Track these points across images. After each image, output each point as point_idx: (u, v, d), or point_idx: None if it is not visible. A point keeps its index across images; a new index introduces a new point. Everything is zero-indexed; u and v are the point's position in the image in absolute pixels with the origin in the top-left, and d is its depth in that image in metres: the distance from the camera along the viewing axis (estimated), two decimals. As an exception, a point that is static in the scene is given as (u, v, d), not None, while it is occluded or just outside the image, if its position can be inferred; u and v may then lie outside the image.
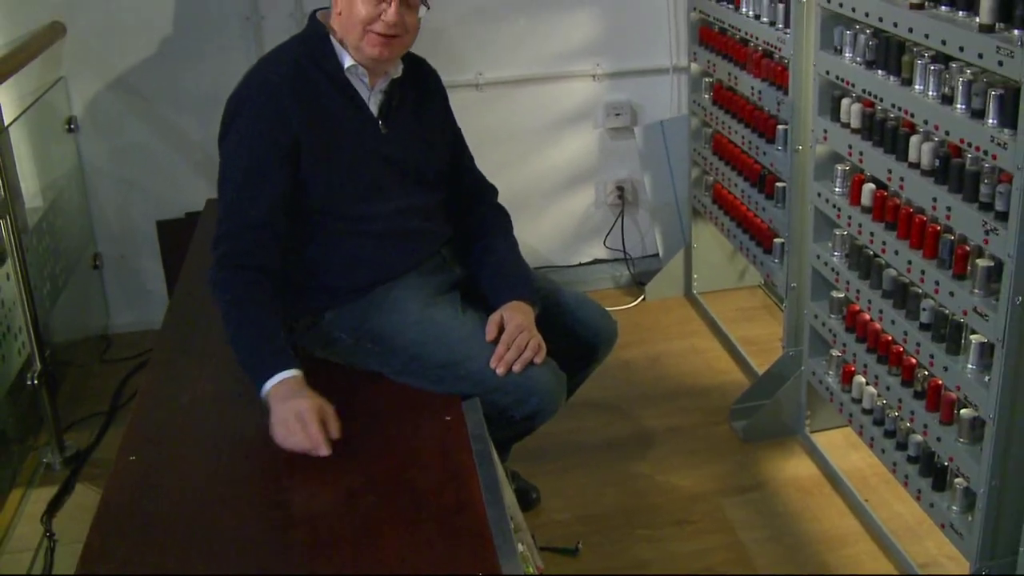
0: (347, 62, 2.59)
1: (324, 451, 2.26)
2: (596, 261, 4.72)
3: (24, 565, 2.98)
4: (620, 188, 4.60)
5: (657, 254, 4.67)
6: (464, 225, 2.86)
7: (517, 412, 2.59)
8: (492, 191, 2.95)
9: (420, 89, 2.78)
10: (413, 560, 1.99)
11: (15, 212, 3.28)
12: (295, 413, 2.29)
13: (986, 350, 2.49)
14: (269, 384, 2.35)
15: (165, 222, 4.17)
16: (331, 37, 2.60)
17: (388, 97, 2.68)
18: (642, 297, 4.55)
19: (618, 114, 4.48)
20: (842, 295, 3.12)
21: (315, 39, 2.63)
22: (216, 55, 4.04)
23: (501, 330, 2.58)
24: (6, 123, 3.56)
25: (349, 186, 2.62)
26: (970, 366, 2.54)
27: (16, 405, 3.38)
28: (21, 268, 3.29)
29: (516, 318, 2.58)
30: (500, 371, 2.50)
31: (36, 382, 3.36)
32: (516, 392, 2.55)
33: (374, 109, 2.65)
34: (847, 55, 2.93)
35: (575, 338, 2.85)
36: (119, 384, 3.92)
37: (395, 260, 2.70)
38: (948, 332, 2.60)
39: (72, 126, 4.06)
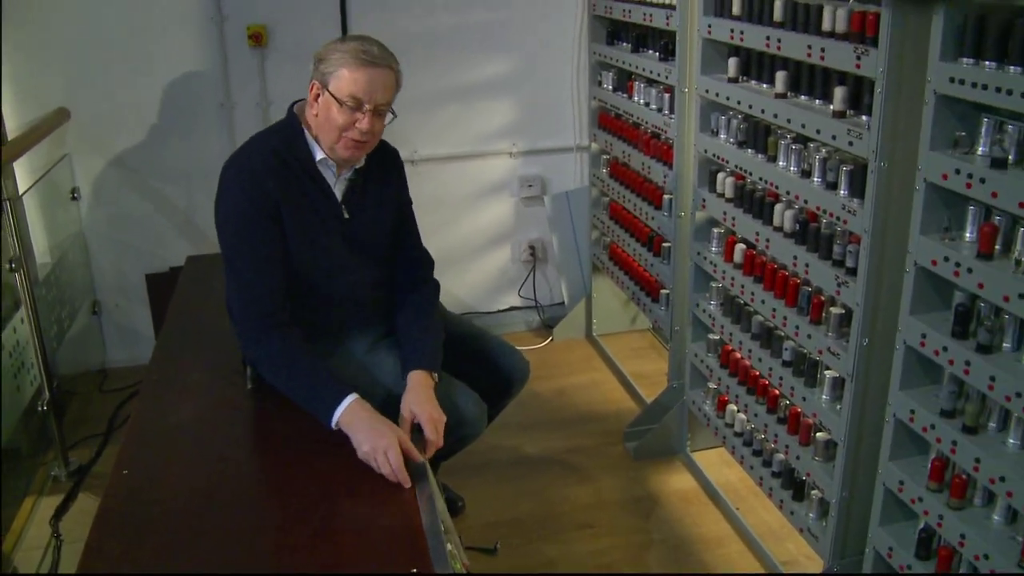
0: (319, 155, 2.47)
1: (407, 484, 2.13)
2: (512, 308, 4.67)
3: (36, 560, 2.96)
4: (532, 247, 4.56)
5: (563, 302, 4.65)
6: (399, 294, 2.73)
7: (449, 436, 2.50)
8: (428, 265, 2.81)
9: (382, 169, 2.66)
10: (361, 558, 1.95)
11: (28, 267, 3.25)
12: (383, 450, 2.15)
13: (838, 384, 2.49)
14: (336, 417, 2.24)
15: (153, 275, 4.12)
16: (306, 132, 2.48)
17: (351, 184, 2.56)
18: (550, 338, 4.51)
19: (531, 185, 4.45)
20: (717, 337, 3.10)
21: (292, 132, 2.49)
22: (195, 136, 4.00)
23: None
24: (20, 192, 3.58)
25: (314, 262, 2.51)
26: (824, 397, 2.53)
27: (29, 427, 3.38)
28: (33, 314, 3.27)
29: (424, 411, 2.38)
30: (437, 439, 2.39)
31: (45, 408, 3.35)
32: (449, 420, 2.47)
33: (338, 195, 2.54)
34: (722, 136, 2.93)
35: (495, 375, 2.81)
36: (114, 410, 3.84)
37: (344, 319, 2.63)
38: (806, 368, 2.59)
39: (75, 195, 4.01)
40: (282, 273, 2.44)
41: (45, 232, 3.81)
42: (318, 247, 2.50)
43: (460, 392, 2.60)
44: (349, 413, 2.24)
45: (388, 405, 2.47)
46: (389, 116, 2.49)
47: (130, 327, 4.24)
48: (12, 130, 3.73)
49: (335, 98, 2.37)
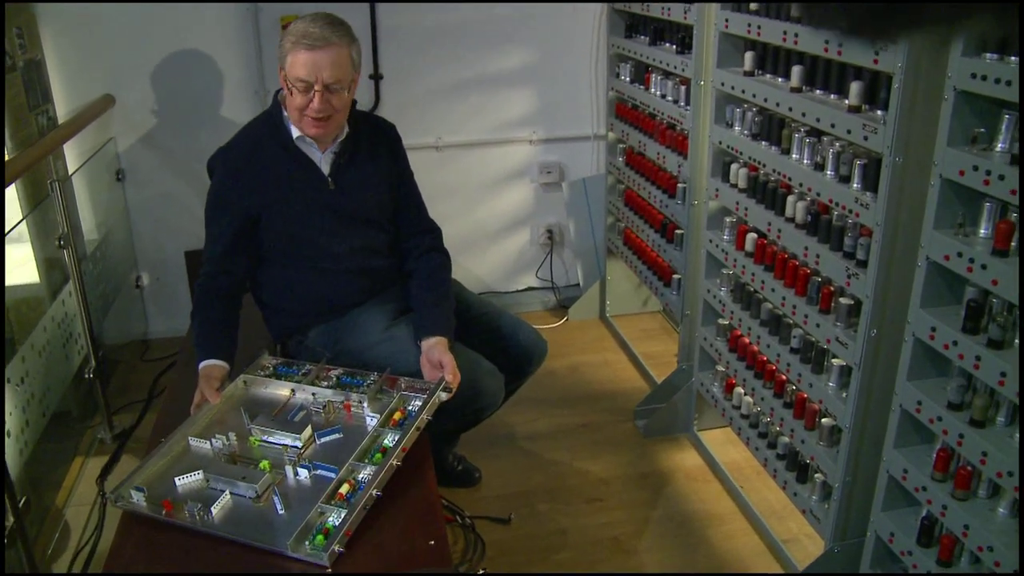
0: (295, 133, 2.49)
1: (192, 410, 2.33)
2: (529, 288, 4.59)
3: (84, 514, 2.97)
4: (550, 231, 4.47)
5: (578, 284, 4.57)
6: (407, 264, 2.72)
7: (468, 408, 2.53)
8: (434, 234, 2.77)
9: (373, 143, 2.63)
10: (381, 526, 1.95)
11: (76, 244, 3.24)
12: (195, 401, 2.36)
13: (844, 372, 2.39)
14: (200, 366, 2.42)
15: (191, 252, 4.06)
16: (284, 112, 2.49)
17: (338, 157, 2.54)
18: (565, 318, 4.43)
19: (549, 172, 4.35)
20: (727, 322, 2.99)
21: (273, 116, 2.53)
22: (231, 120, 3.94)
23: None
24: (70, 172, 3.62)
25: (303, 233, 2.54)
26: (831, 384, 2.42)
27: (77, 393, 3.42)
28: (80, 288, 3.26)
29: (447, 361, 2.42)
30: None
31: (92, 376, 3.34)
32: (468, 393, 2.47)
33: (325, 169, 2.53)
34: (736, 128, 2.80)
35: (514, 354, 2.76)
36: (155, 378, 3.85)
37: (354, 290, 2.63)
38: (813, 356, 2.49)
39: (120, 176, 4.00)
40: (226, 251, 2.52)
41: (92, 211, 3.80)
42: (304, 218, 2.51)
43: (479, 365, 2.55)
44: (200, 371, 2.40)
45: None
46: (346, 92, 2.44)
47: (170, 300, 4.21)
48: (61, 115, 3.74)
49: (288, 83, 2.38)
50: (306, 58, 2.32)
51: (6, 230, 3.09)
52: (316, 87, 2.34)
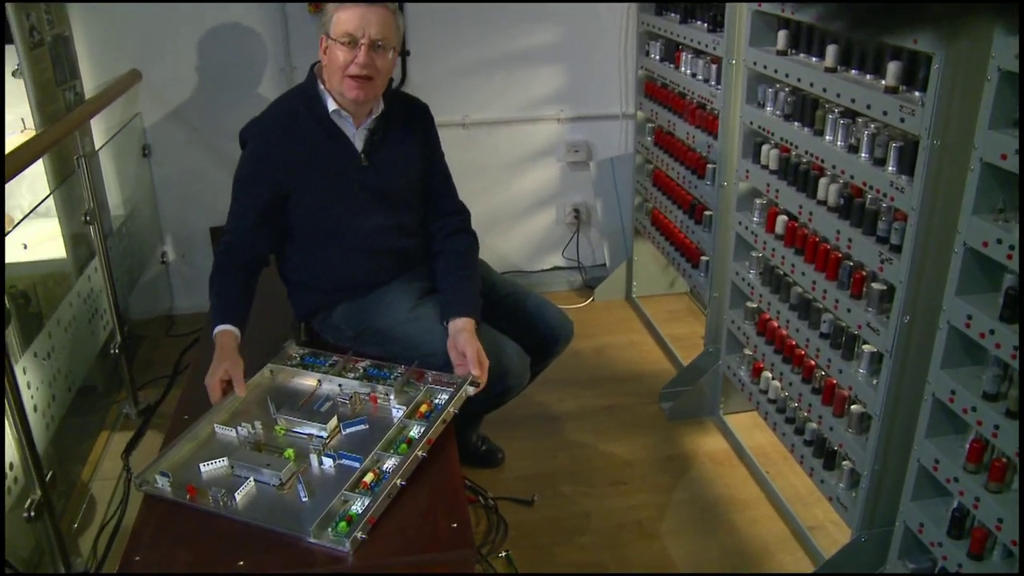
0: (331, 106, 2.46)
1: (213, 399, 2.26)
2: (555, 268, 4.56)
3: (109, 488, 2.99)
4: (576, 210, 4.43)
5: (605, 264, 4.53)
6: (435, 245, 2.69)
7: (493, 389, 2.47)
8: (462, 216, 2.73)
9: (406, 122, 2.60)
10: (404, 508, 1.93)
11: (102, 219, 3.25)
12: (213, 367, 2.31)
13: (875, 358, 2.34)
14: (215, 331, 2.39)
15: (216, 228, 4.05)
16: (320, 86, 2.48)
17: (372, 133, 2.52)
18: (591, 299, 4.39)
19: (577, 151, 4.31)
20: (755, 305, 2.94)
21: (309, 88, 2.51)
22: (257, 97, 3.94)
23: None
24: (96, 148, 3.61)
25: (333, 209, 2.52)
26: (861, 371, 2.38)
27: (103, 368, 3.42)
28: (106, 263, 3.27)
29: (472, 350, 2.38)
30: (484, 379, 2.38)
31: (117, 351, 3.37)
32: (493, 373, 2.43)
33: (359, 145, 2.51)
34: (768, 109, 2.74)
35: (540, 334, 2.73)
36: (180, 354, 3.86)
37: (381, 269, 2.61)
38: (844, 341, 2.44)
39: (146, 152, 4.00)
40: (252, 224, 2.49)
41: (118, 186, 3.79)
42: (334, 194, 2.49)
43: (504, 345, 2.53)
44: (221, 335, 2.37)
45: (433, 361, 2.44)
46: (392, 54, 2.42)
47: (195, 276, 4.20)
48: (88, 91, 3.73)
49: (334, 40, 2.36)
50: (355, 13, 2.33)
51: (34, 206, 3.11)
52: (362, 41, 2.34)
